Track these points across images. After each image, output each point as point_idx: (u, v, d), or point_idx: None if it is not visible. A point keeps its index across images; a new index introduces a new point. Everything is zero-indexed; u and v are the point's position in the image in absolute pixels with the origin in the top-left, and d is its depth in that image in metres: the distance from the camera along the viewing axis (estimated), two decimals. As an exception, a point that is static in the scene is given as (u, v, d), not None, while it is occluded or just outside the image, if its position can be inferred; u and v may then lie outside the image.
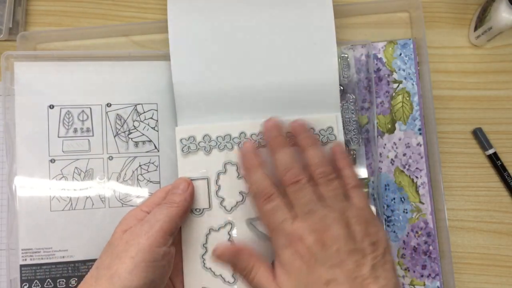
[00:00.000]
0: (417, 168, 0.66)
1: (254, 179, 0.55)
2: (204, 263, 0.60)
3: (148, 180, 0.64)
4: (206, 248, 0.60)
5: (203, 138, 0.60)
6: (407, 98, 0.67)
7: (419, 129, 0.67)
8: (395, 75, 0.68)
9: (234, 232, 0.60)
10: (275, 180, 0.54)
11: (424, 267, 0.65)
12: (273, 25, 0.63)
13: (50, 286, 0.61)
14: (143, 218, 0.56)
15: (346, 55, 0.66)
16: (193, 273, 0.60)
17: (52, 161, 0.62)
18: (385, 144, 0.67)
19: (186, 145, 0.60)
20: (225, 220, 0.60)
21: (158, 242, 0.53)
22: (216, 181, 0.60)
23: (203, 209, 0.60)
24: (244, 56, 0.62)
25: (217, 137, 0.60)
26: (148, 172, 0.64)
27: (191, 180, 0.60)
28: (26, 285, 0.61)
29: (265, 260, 0.54)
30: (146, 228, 0.54)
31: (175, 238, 0.57)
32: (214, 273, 0.60)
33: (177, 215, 0.56)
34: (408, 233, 0.66)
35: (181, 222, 0.58)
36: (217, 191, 0.60)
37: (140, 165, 0.64)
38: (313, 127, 0.61)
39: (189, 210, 0.59)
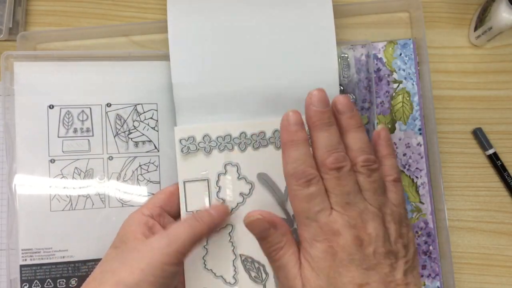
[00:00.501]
0: (417, 168, 0.67)
1: (295, 156, 0.48)
2: (205, 264, 0.60)
3: (148, 180, 0.64)
4: (206, 249, 0.59)
5: (203, 138, 0.60)
6: (407, 98, 0.67)
7: (419, 129, 0.67)
8: (395, 75, 0.68)
9: (235, 234, 0.60)
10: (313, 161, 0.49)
11: (424, 267, 0.65)
12: (273, 25, 0.63)
13: (50, 286, 0.61)
14: (146, 223, 0.55)
15: (346, 55, 0.66)
16: (194, 274, 0.59)
17: (52, 161, 0.62)
18: (385, 144, 0.67)
19: (185, 145, 0.60)
20: (226, 221, 0.60)
21: (171, 261, 0.50)
22: (217, 182, 0.60)
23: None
24: (244, 56, 0.62)
25: (217, 138, 0.60)
26: (148, 172, 0.64)
27: (191, 181, 0.60)
28: (26, 285, 0.61)
29: (296, 243, 0.50)
30: (163, 244, 0.51)
31: None
32: (215, 274, 0.60)
33: (200, 234, 0.53)
34: (408, 233, 0.66)
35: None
36: (217, 192, 0.60)
37: (140, 165, 0.64)
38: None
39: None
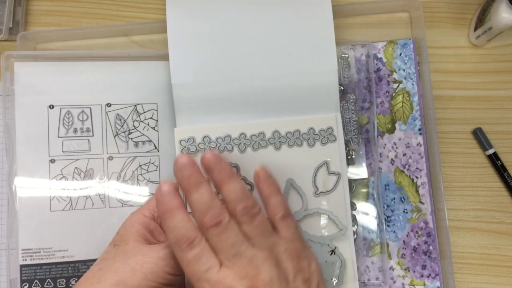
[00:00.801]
0: (417, 168, 0.66)
1: (172, 224, 0.48)
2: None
3: (148, 180, 0.64)
4: None
5: (203, 139, 0.60)
6: (407, 98, 0.67)
7: (419, 129, 0.67)
8: (395, 75, 0.68)
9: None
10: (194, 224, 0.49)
11: (424, 267, 0.65)
12: (272, 26, 0.62)
13: (50, 286, 0.61)
14: (148, 226, 0.55)
15: (346, 55, 0.66)
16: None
17: (52, 161, 0.62)
18: (385, 144, 0.67)
19: (185, 146, 0.60)
20: None
21: (174, 272, 0.51)
22: None
23: None
24: (244, 57, 0.62)
25: (217, 138, 0.60)
26: (148, 172, 0.64)
27: None
28: (26, 285, 0.61)
29: None
30: (168, 254, 0.51)
31: None
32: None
33: None
34: (408, 233, 0.66)
35: None
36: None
37: (140, 165, 0.64)
38: (313, 127, 0.61)
39: None
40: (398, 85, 0.67)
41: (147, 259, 0.51)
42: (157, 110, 0.64)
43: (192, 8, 0.63)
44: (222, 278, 0.46)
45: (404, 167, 0.67)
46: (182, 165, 0.50)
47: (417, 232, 0.66)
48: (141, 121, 0.64)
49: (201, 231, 0.49)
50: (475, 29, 0.68)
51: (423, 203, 0.66)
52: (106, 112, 0.63)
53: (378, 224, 0.65)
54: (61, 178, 0.62)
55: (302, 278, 0.48)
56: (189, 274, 0.48)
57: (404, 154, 0.67)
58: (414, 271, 0.65)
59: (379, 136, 0.67)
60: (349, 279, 0.61)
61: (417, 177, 0.66)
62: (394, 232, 0.66)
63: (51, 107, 0.63)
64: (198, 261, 0.47)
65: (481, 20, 0.66)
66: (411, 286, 0.65)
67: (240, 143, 0.60)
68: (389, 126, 0.67)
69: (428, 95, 0.66)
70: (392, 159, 0.67)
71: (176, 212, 0.49)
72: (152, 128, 0.64)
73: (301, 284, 0.48)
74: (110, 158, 0.63)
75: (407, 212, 0.66)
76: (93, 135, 0.63)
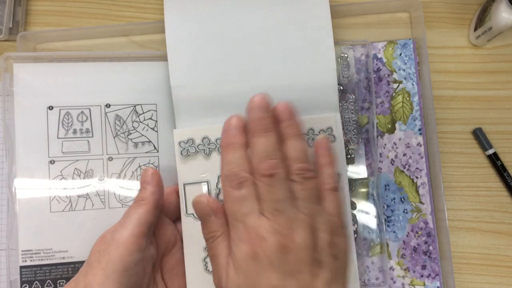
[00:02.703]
0: (417, 168, 0.66)
1: (230, 158, 0.49)
2: (206, 266, 0.60)
3: (148, 181, 0.64)
4: (207, 251, 0.59)
5: (202, 140, 0.60)
6: (407, 98, 0.67)
7: (419, 129, 0.67)
8: (395, 75, 0.67)
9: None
10: (250, 166, 0.49)
11: (424, 267, 0.65)
12: (270, 27, 0.62)
13: (50, 287, 0.61)
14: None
15: (346, 55, 0.66)
16: (195, 276, 0.59)
17: (52, 162, 0.62)
18: (385, 144, 0.67)
19: (185, 148, 0.60)
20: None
21: (129, 250, 0.50)
22: (217, 185, 0.60)
23: None
24: (242, 58, 0.62)
25: (216, 140, 0.60)
26: (148, 172, 0.64)
27: (191, 184, 0.60)
28: (26, 286, 0.61)
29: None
30: (116, 236, 0.51)
31: (151, 239, 0.55)
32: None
33: (147, 213, 0.53)
34: (408, 233, 0.66)
35: (156, 218, 0.54)
36: (217, 194, 0.60)
37: (139, 166, 0.64)
38: (312, 127, 0.61)
39: (161, 202, 0.55)
40: (398, 85, 0.67)
41: (101, 253, 0.51)
42: (156, 111, 0.64)
43: (190, 10, 0.63)
44: (258, 226, 0.46)
45: (404, 167, 0.67)
46: (258, 105, 0.50)
47: (417, 232, 0.66)
48: (140, 121, 0.64)
49: (253, 175, 0.49)
50: (475, 29, 0.68)
51: (423, 203, 0.66)
52: (106, 113, 0.63)
53: (378, 224, 0.65)
54: (61, 179, 0.62)
55: (330, 253, 0.48)
56: (229, 210, 0.49)
57: (404, 154, 0.67)
58: (414, 271, 0.65)
59: (379, 136, 0.67)
60: (349, 279, 0.61)
61: (417, 177, 0.66)
62: (394, 232, 0.66)
63: (51, 108, 0.63)
64: (241, 202, 0.48)
65: (481, 20, 0.66)
66: (411, 286, 0.65)
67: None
68: (389, 126, 0.67)
69: (428, 95, 0.66)
70: (392, 159, 0.67)
71: (238, 149, 0.49)
72: (151, 128, 0.64)
73: (327, 258, 0.47)
74: (110, 158, 0.63)
75: (407, 212, 0.66)
76: (92, 136, 0.63)
